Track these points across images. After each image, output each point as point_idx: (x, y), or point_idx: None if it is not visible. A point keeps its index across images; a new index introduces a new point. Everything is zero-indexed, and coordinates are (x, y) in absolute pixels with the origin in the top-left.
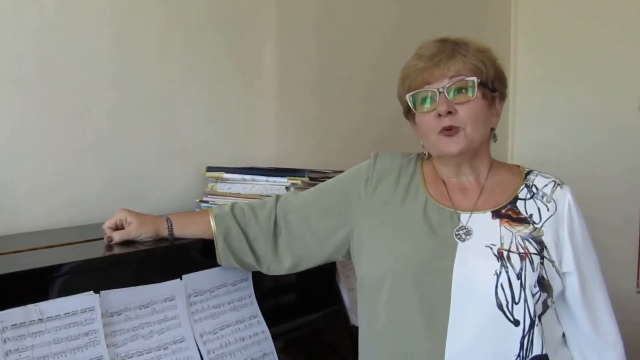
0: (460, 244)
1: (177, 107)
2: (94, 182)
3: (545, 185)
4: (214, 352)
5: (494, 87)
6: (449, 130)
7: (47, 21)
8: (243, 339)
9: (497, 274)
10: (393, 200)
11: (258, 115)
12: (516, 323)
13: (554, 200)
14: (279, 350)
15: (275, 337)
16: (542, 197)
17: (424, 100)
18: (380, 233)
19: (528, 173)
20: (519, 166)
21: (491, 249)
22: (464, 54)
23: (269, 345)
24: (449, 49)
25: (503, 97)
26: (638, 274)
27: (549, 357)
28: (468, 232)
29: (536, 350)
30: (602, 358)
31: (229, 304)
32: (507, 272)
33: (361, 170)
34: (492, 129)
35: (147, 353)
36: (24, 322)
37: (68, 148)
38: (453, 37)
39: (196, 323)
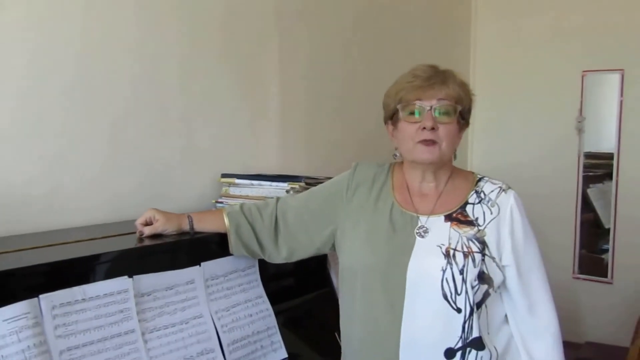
0: (418, 240)
1: (196, 125)
2: (126, 186)
3: (492, 191)
4: (227, 326)
5: (464, 116)
6: (428, 142)
7: (88, 51)
8: (251, 315)
9: (443, 270)
10: (366, 205)
11: (263, 133)
12: (459, 311)
13: (497, 205)
14: (280, 325)
15: (277, 314)
16: (488, 201)
17: (412, 112)
18: (355, 233)
19: (479, 180)
20: (473, 173)
21: (440, 248)
22: (453, 83)
23: (272, 321)
24: (442, 75)
25: (467, 125)
26: (574, 263)
27: (494, 333)
28: (426, 231)
29: (475, 334)
30: (536, 336)
31: (239, 286)
32: (451, 268)
33: (343, 178)
34: (456, 149)
35: (171, 327)
36: (70, 301)
37: (104, 158)
38: (441, 66)
39: (212, 302)
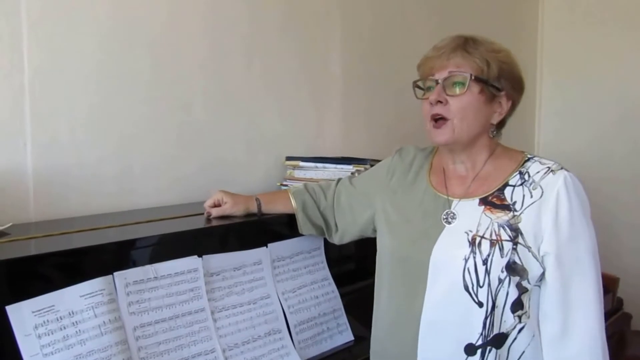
0: (446, 227)
1: (260, 109)
2: (192, 169)
3: (538, 172)
4: (293, 307)
5: (499, 85)
6: (437, 121)
7: (158, 39)
8: (317, 297)
9: (465, 259)
10: (401, 190)
11: (327, 115)
12: (480, 305)
13: (540, 187)
14: (345, 307)
15: (341, 297)
16: (531, 184)
17: (427, 88)
18: (387, 219)
19: (527, 160)
20: (524, 153)
21: (467, 234)
22: (469, 50)
23: (338, 303)
24: (455, 43)
25: (510, 97)
26: None
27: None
28: (453, 217)
29: (495, 331)
30: (561, 340)
31: (305, 268)
32: (474, 257)
33: (385, 163)
34: (494, 124)
35: (240, 306)
36: (143, 279)
37: (172, 141)
38: (468, 34)
39: (279, 283)
